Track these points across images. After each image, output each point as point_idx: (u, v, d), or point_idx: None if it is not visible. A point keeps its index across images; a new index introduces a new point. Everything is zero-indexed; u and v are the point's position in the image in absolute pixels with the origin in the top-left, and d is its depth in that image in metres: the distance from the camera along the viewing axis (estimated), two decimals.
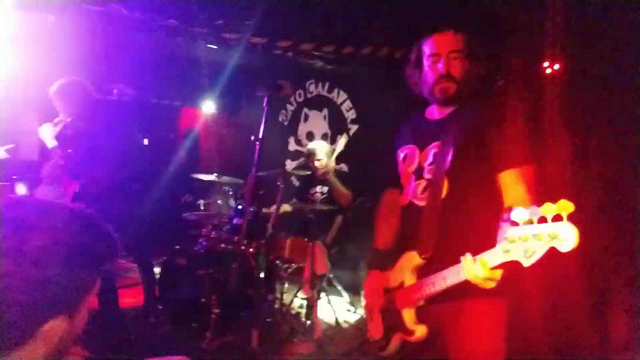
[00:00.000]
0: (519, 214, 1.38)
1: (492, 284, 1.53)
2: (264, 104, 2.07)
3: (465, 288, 1.57)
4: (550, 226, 1.31)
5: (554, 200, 1.34)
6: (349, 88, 5.41)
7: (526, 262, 1.36)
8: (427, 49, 1.88)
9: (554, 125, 3.17)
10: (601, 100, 2.95)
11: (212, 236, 4.12)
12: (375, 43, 3.34)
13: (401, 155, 2.02)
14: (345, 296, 4.60)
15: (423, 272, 1.78)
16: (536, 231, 1.34)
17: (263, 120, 2.07)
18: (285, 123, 6.18)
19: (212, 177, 4.76)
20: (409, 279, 1.82)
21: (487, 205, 1.76)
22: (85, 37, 3.44)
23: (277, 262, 4.04)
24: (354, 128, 5.37)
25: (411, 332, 1.79)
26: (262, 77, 5.51)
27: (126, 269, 5.32)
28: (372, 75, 4.29)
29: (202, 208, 4.82)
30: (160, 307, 4.03)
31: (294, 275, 4.16)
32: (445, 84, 1.82)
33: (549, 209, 1.31)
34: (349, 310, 4.48)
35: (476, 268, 1.50)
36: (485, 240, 1.57)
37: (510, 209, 1.55)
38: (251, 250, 3.77)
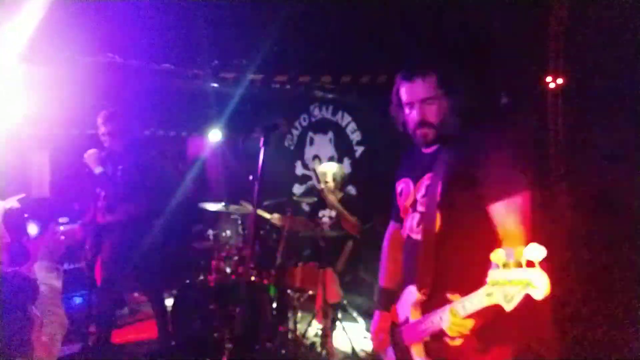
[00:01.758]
0: (498, 255, 1.39)
1: (465, 331, 1.56)
2: (261, 144, 2.07)
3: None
4: (523, 272, 1.32)
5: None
6: (352, 110, 5.41)
7: (507, 307, 1.35)
8: (402, 97, 1.89)
9: (558, 142, 3.12)
10: (606, 118, 2.90)
11: (221, 268, 4.10)
12: (373, 71, 3.34)
13: (398, 188, 2.02)
14: (361, 323, 4.52)
15: (426, 307, 1.76)
16: (512, 277, 1.35)
17: (260, 159, 2.06)
18: (292, 147, 6.18)
19: (219, 206, 4.76)
20: (414, 314, 1.80)
21: (481, 238, 1.72)
22: (86, 81, 3.51)
23: (289, 291, 4.00)
24: (359, 150, 5.35)
25: None
26: (265, 105, 5.54)
27: (139, 302, 5.33)
28: (374, 100, 4.28)
29: (211, 238, 4.81)
30: (172, 342, 4.00)
31: (307, 303, 4.11)
32: (424, 131, 1.83)
33: (521, 253, 1.32)
34: (365, 338, 4.40)
35: (445, 317, 1.55)
36: (481, 276, 1.52)
37: (505, 242, 1.64)
38: (261, 280, 3.74)
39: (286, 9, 2.64)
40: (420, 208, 1.87)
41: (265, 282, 3.91)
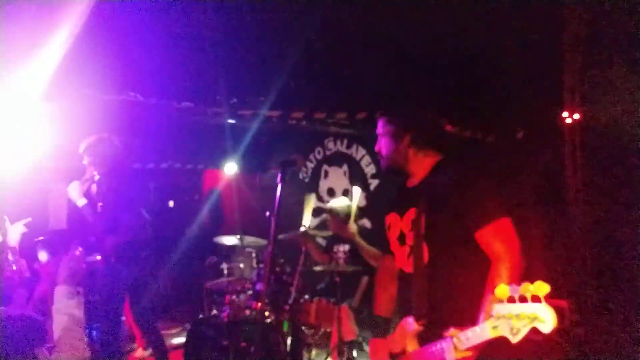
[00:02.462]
0: (502, 290, 1.46)
1: None
2: (278, 180, 2.07)
3: None
4: (530, 307, 1.39)
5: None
6: (367, 144, 5.42)
7: (513, 339, 1.42)
8: None
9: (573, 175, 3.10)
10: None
11: (235, 302, 4.06)
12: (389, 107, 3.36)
13: (387, 222, 2.15)
14: None
15: (424, 337, 1.84)
16: (518, 311, 1.42)
17: (277, 195, 2.06)
18: (306, 180, 6.20)
19: (234, 240, 4.76)
20: (411, 345, 1.87)
21: (468, 265, 1.86)
22: (106, 117, 3.57)
23: (303, 327, 3.93)
24: (374, 183, 5.34)
25: None
26: (280, 139, 5.60)
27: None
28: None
29: (225, 272, 4.78)
30: None
31: (321, 340, 4.03)
32: (380, 160, 2.14)
33: (527, 289, 1.39)
34: None
35: (447, 347, 1.64)
36: (473, 301, 1.71)
37: (493, 270, 1.76)
38: (277, 317, 3.69)
39: (302, 48, 2.70)
40: (408, 241, 1.98)
41: (279, 318, 3.86)
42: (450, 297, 1.86)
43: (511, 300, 1.42)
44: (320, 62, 2.82)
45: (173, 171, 6.01)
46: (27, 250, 3.28)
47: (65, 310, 1.79)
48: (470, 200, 1.85)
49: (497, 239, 1.81)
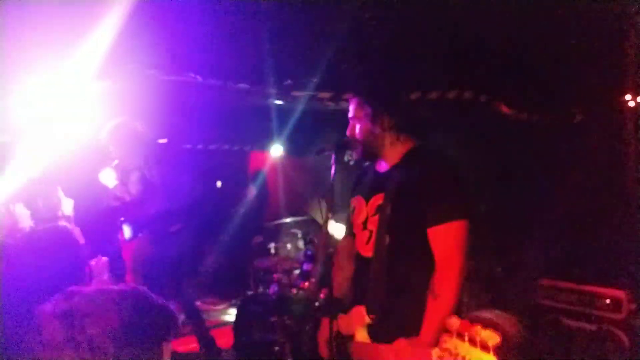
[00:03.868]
0: (453, 324, 1.41)
1: None
2: (332, 161, 2.09)
3: None
4: (478, 354, 1.32)
5: None
6: None
7: None
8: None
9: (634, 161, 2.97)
10: None
11: (283, 281, 4.15)
12: (443, 87, 3.31)
13: (352, 205, 2.14)
14: None
15: (374, 331, 1.86)
16: (465, 352, 1.35)
17: (332, 177, 2.08)
18: (351, 163, 6.18)
19: (281, 221, 4.86)
20: (361, 335, 1.89)
21: (427, 260, 1.82)
22: (163, 98, 3.64)
23: None
24: None
25: None
26: (329, 120, 5.60)
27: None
28: (440, 115, 4.24)
29: (272, 252, 4.89)
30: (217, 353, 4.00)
31: None
32: (354, 145, 2.07)
33: (477, 333, 1.33)
34: None
35: None
36: (423, 304, 1.72)
37: (435, 274, 1.75)
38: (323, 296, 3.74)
39: (355, 29, 2.69)
40: (370, 226, 1.96)
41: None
42: (404, 290, 1.84)
43: (460, 338, 1.38)
44: (374, 45, 2.80)
45: (221, 152, 6.14)
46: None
47: None
48: (431, 195, 1.83)
49: (445, 241, 1.78)
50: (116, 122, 3.65)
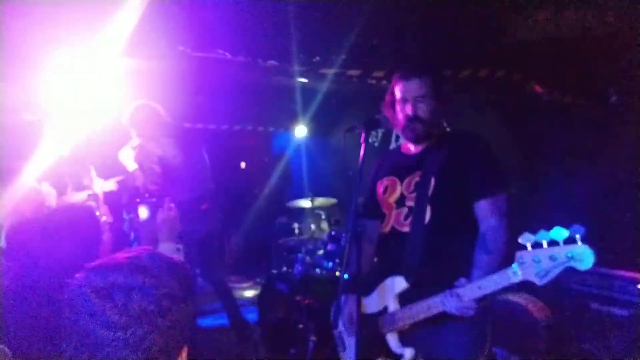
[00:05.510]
0: (527, 237, 1.53)
1: (471, 312, 1.72)
2: (362, 140, 2.06)
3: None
4: (566, 248, 1.45)
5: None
6: None
7: (540, 282, 1.52)
8: (397, 94, 2.08)
9: None
10: None
11: (307, 261, 4.18)
12: (474, 65, 3.23)
13: (381, 187, 2.19)
14: None
15: (407, 297, 1.92)
16: (551, 252, 1.48)
17: (361, 155, 2.05)
18: (376, 144, 6.13)
19: (304, 201, 4.87)
20: (393, 304, 1.95)
21: (466, 232, 1.93)
22: (189, 78, 3.64)
23: None
24: None
25: (398, 356, 1.92)
26: (354, 101, 5.54)
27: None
28: (472, 93, 4.13)
29: (296, 232, 4.91)
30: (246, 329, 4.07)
31: None
32: (414, 125, 2.04)
33: (558, 233, 1.45)
34: None
35: (449, 301, 1.73)
36: (464, 265, 1.82)
37: (483, 237, 1.86)
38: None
39: (386, 4, 2.63)
40: (409, 203, 2.04)
41: None
42: (444, 260, 1.92)
43: (537, 245, 1.50)
44: (407, 21, 2.73)
45: (245, 133, 6.15)
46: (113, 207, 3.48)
47: None
48: (476, 172, 1.95)
49: (490, 213, 1.89)
50: (136, 104, 3.71)
